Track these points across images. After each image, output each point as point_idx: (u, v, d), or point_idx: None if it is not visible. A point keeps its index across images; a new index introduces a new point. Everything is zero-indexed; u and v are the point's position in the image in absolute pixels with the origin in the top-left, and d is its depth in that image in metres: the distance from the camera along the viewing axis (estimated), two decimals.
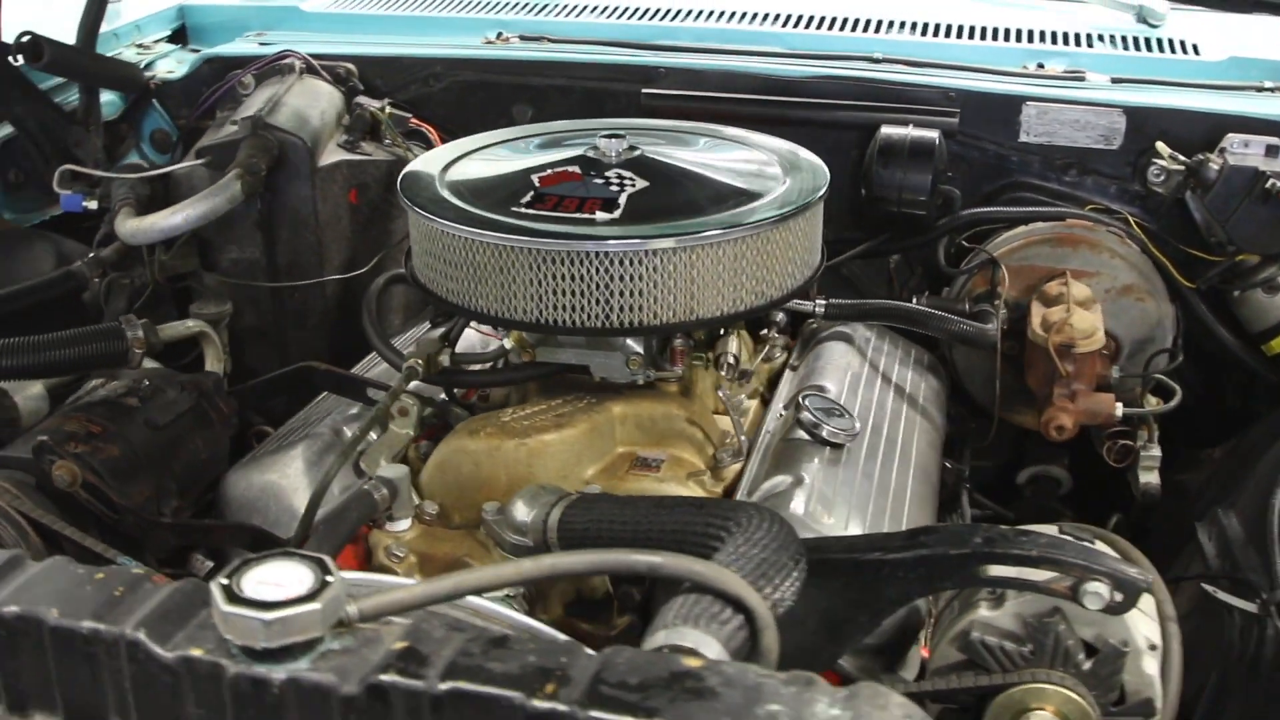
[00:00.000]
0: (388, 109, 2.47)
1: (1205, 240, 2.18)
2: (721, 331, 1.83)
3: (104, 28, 2.54)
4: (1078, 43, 2.52)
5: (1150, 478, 2.08)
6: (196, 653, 0.91)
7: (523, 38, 2.62)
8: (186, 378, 1.85)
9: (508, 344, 1.77)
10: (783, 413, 1.84)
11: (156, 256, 2.24)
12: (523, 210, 1.63)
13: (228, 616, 0.89)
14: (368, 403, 1.85)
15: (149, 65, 2.64)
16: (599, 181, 1.70)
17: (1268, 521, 1.62)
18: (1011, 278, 2.20)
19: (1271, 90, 2.29)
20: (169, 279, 2.32)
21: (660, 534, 1.28)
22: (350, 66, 2.55)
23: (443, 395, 1.84)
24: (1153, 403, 2.12)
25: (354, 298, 2.20)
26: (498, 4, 2.80)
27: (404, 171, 1.81)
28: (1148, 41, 2.53)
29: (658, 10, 2.69)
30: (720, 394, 1.72)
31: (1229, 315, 2.26)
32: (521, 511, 1.46)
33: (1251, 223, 2.08)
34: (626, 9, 2.72)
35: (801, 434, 1.71)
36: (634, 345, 1.68)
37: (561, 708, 0.85)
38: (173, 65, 2.66)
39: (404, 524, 1.61)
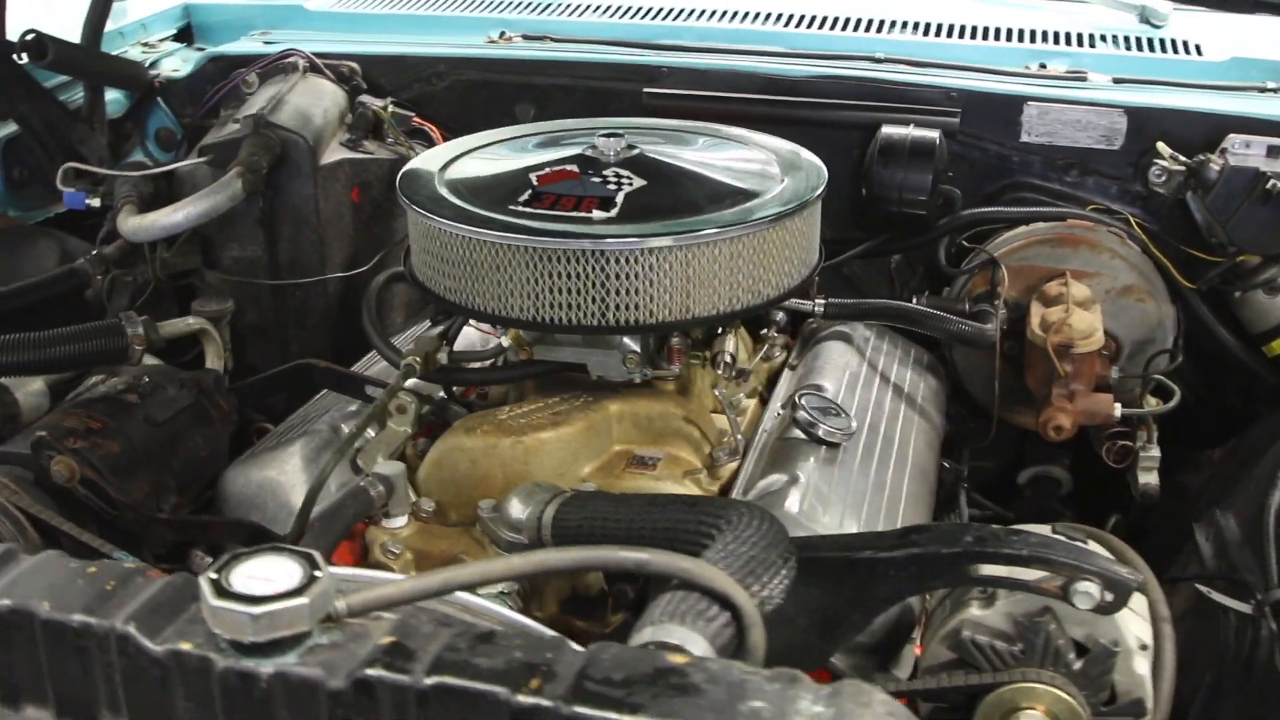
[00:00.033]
0: (390, 108, 2.48)
1: (1206, 241, 2.18)
2: (719, 330, 1.83)
3: (110, 26, 2.55)
4: (1080, 43, 2.52)
5: (1149, 478, 2.08)
6: (186, 647, 0.92)
7: (526, 37, 2.63)
8: (186, 375, 1.86)
9: (505, 342, 1.77)
10: (780, 412, 1.84)
11: (158, 254, 2.25)
12: (520, 209, 1.64)
13: (216, 611, 0.89)
14: (366, 400, 1.86)
15: (154, 63, 2.65)
16: (597, 180, 1.71)
17: (1263, 522, 1.62)
18: (1012, 278, 2.20)
19: (1274, 91, 2.29)
20: (171, 276, 2.33)
21: (653, 531, 1.28)
22: (354, 65, 2.56)
23: (441, 393, 1.85)
24: (1152, 403, 2.12)
25: (356, 296, 2.21)
26: (501, 3, 2.81)
27: (403, 170, 1.82)
28: (1150, 42, 2.53)
29: (660, 10, 2.70)
30: (717, 393, 1.72)
31: (1230, 316, 2.26)
32: (517, 509, 1.46)
33: (1252, 223, 2.08)
34: (629, 9, 2.72)
35: (798, 433, 1.71)
36: (631, 344, 1.68)
37: (546, 703, 0.85)
38: (178, 64, 2.67)
39: (400, 521, 1.61)
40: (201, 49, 2.74)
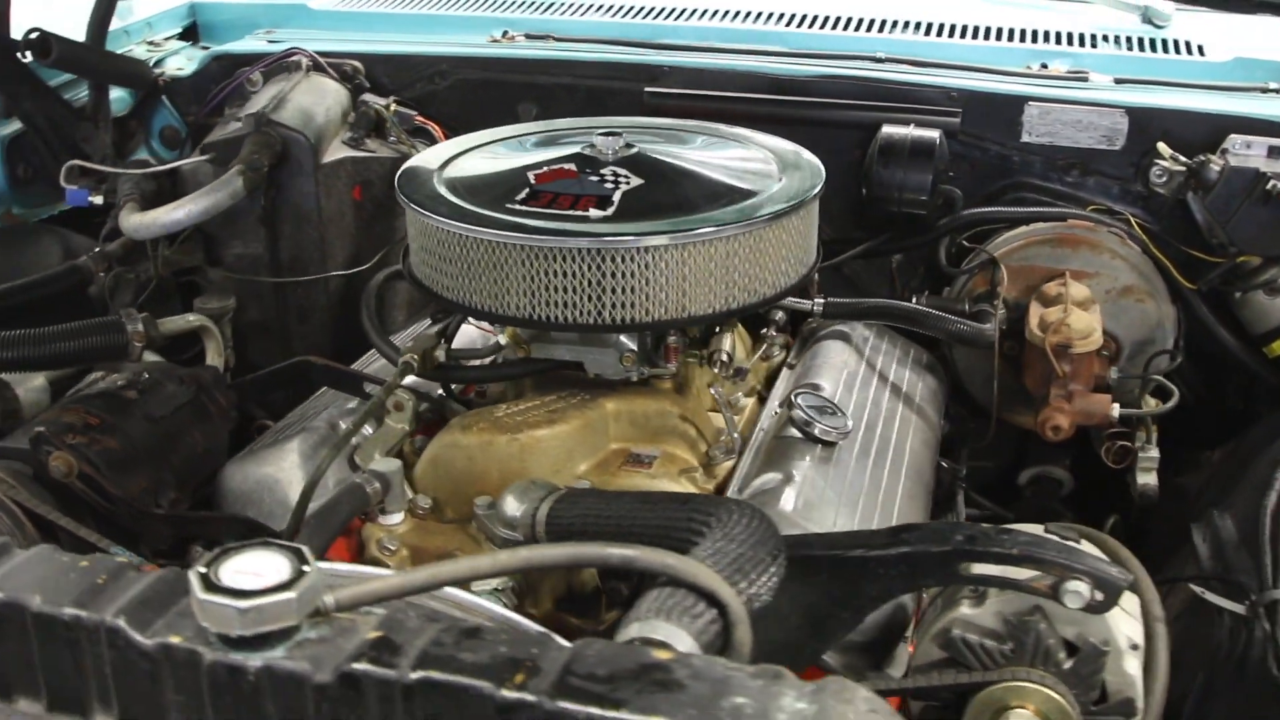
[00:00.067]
0: (393, 106, 2.49)
1: (1207, 241, 2.17)
2: (717, 329, 1.83)
3: (115, 24, 2.56)
4: (1082, 43, 2.52)
5: (1148, 479, 2.08)
6: (175, 640, 0.93)
7: (528, 36, 2.64)
8: (186, 371, 1.87)
9: (502, 340, 1.78)
10: (777, 410, 1.84)
11: (160, 251, 2.27)
12: (517, 207, 1.65)
13: (204, 604, 0.90)
14: (365, 397, 1.87)
15: (159, 62, 2.66)
16: (594, 179, 1.71)
17: (1259, 523, 1.62)
18: (1012, 278, 2.20)
19: (1276, 91, 2.28)
20: (174, 274, 2.34)
21: (645, 529, 1.29)
22: (357, 64, 2.56)
23: (440, 391, 1.86)
24: (1151, 404, 2.12)
25: (357, 294, 2.20)
26: (504, 2, 2.81)
27: (402, 168, 1.83)
28: (1152, 42, 2.53)
29: (662, 9, 2.70)
30: (713, 391, 1.72)
31: (1230, 317, 2.26)
32: (512, 506, 1.47)
33: (1252, 224, 2.08)
34: (631, 8, 2.73)
35: (794, 432, 1.72)
36: (628, 342, 1.69)
37: (529, 698, 0.86)
38: (182, 62, 2.68)
39: (397, 518, 1.62)
40: (206, 48, 2.75)
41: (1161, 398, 2.13)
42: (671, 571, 1.00)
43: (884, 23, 2.61)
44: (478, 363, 1.85)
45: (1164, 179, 2.17)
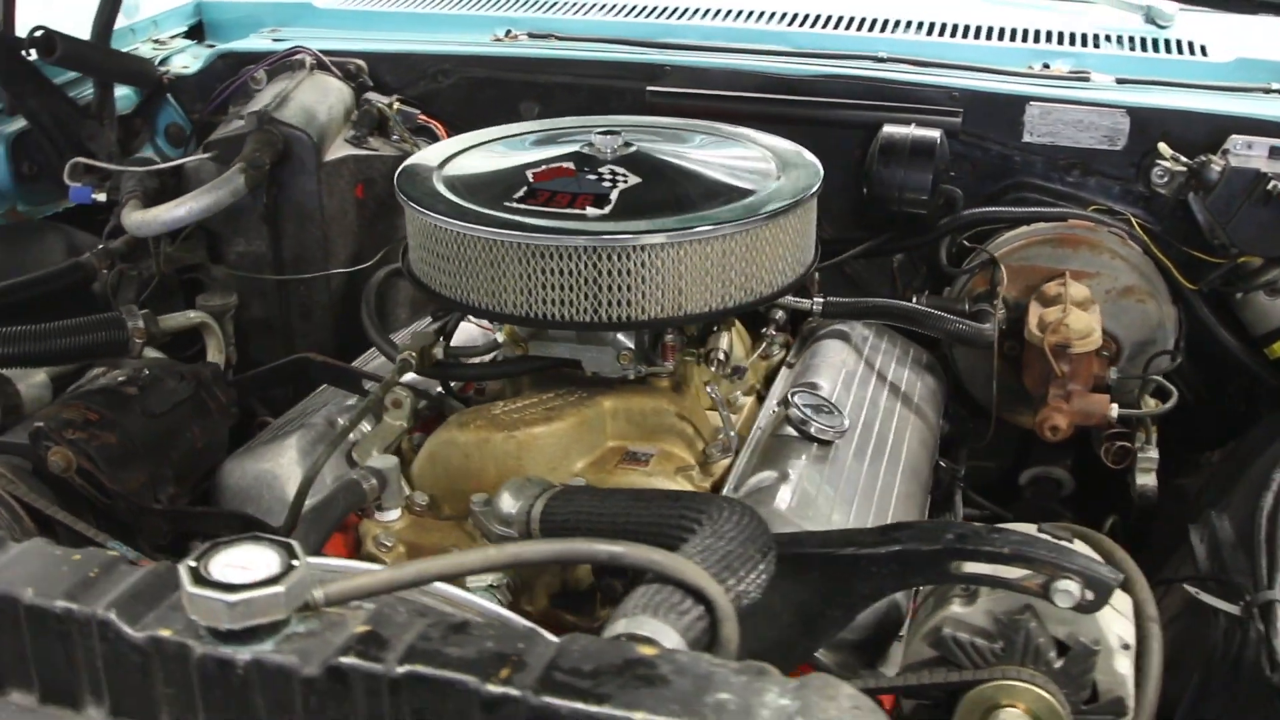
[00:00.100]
0: (396, 105, 2.50)
1: (1208, 242, 2.17)
2: (715, 328, 1.84)
3: (121, 23, 2.58)
4: (1084, 43, 2.52)
5: (1147, 480, 2.08)
6: (165, 633, 0.93)
7: (531, 35, 2.65)
8: (186, 368, 1.88)
9: (500, 338, 1.79)
10: (775, 409, 1.84)
11: (162, 249, 2.28)
12: (515, 205, 1.65)
13: (194, 598, 0.91)
14: (364, 394, 1.88)
15: (165, 60, 2.68)
16: (592, 177, 1.72)
17: (1255, 524, 1.62)
18: (1013, 278, 2.21)
19: (1278, 92, 2.28)
20: (176, 271, 2.35)
21: (637, 526, 1.29)
22: (360, 63, 2.58)
23: (439, 388, 1.86)
24: (1151, 405, 2.12)
25: (359, 291, 2.21)
26: (507, 2, 2.82)
27: (402, 166, 1.84)
28: (1155, 42, 2.52)
29: (664, 9, 2.71)
30: (708, 390, 1.73)
31: (1231, 318, 2.25)
32: (507, 503, 1.48)
33: (1252, 225, 2.08)
34: (633, 7, 2.74)
35: (790, 430, 1.72)
36: (625, 340, 1.69)
37: (514, 692, 0.86)
38: (188, 60, 2.70)
39: (393, 514, 1.63)
40: (212, 46, 2.77)
41: (1161, 398, 2.12)
42: (659, 568, 1.00)
43: (886, 22, 2.61)
44: (476, 360, 1.86)
45: (1165, 179, 2.17)
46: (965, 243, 2.31)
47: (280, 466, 1.73)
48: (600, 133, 1.80)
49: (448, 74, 2.55)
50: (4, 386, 1.81)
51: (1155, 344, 2.20)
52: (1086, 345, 2.01)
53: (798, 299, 2.03)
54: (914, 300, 2.21)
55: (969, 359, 2.29)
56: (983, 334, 2.06)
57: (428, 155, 1.88)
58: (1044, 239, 2.22)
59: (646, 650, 0.90)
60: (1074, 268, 2.19)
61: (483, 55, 2.56)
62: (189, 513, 1.70)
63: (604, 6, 2.76)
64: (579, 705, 0.85)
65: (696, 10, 2.69)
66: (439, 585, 1.08)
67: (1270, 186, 2.02)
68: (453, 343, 1.84)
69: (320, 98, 2.44)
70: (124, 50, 2.62)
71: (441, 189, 1.72)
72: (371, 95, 2.51)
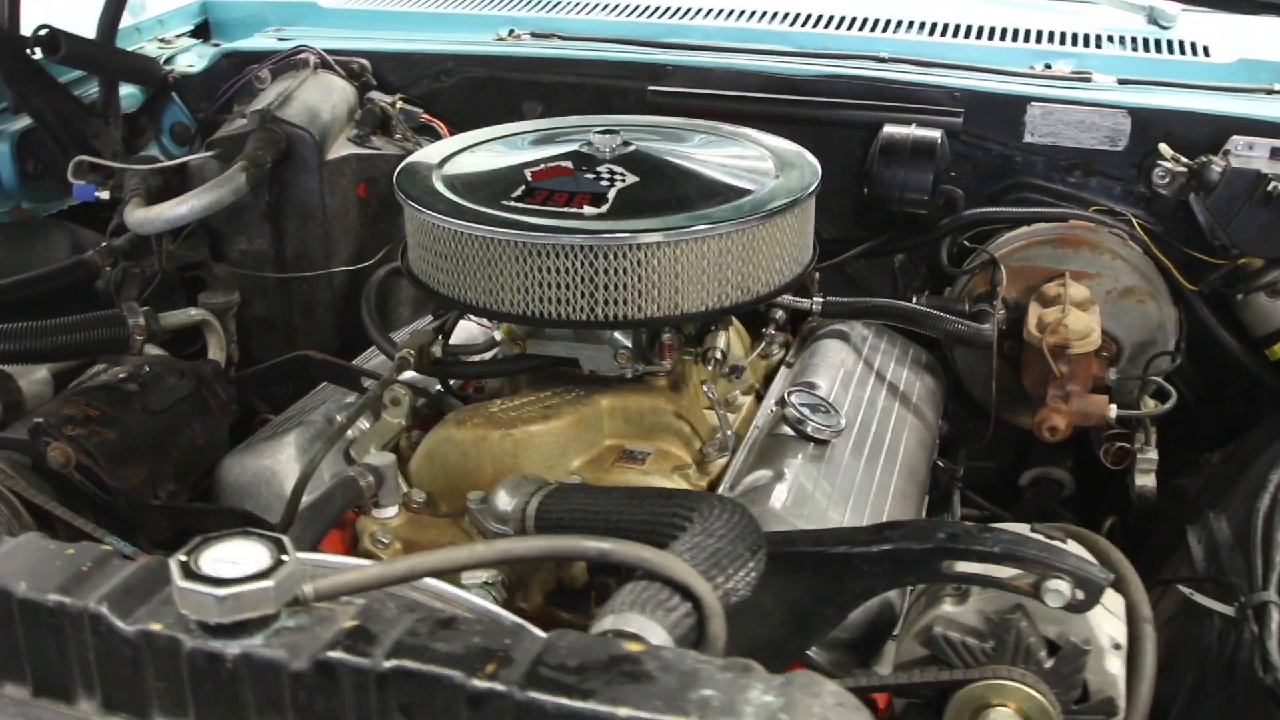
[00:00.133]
0: (399, 104, 2.50)
1: (1209, 243, 2.17)
2: (713, 327, 1.84)
3: (128, 21, 2.59)
4: (1086, 44, 2.52)
5: (1146, 480, 2.08)
6: (156, 627, 0.94)
7: (534, 34, 2.66)
8: (187, 365, 1.89)
9: (498, 336, 1.79)
10: (773, 409, 1.85)
11: (164, 246, 2.29)
12: (513, 204, 1.66)
13: (184, 592, 0.91)
14: (363, 392, 1.89)
15: (170, 59, 2.69)
16: (590, 176, 1.72)
17: (1251, 525, 1.61)
18: (1013, 278, 2.21)
19: None
20: (179, 269, 2.36)
21: (630, 523, 1.30)
22: (364, 62, 2.59)
23: (438, 386, 1.87)
24: (1151, 405, 2.11)
25: (361, 290, 2.23)
26: (510, 1, 2.83)
27: (401, 165, 1.84)
28: (1157, 43, 2.52)
29: (667, 8, 2.72)
30: (704, 389, 1.73)
31: (1232, 319, 2.25)
32: (503, 501, 1.49)
33: (1253, 225, 2.07)
34: (636, 7, 2.75)
35: (787, 430, 1.72)
36: (622, 339, 1.70)
37: (500, 688, 0.87)
38: (193, 59, 2.71)
39: (391, 511, 1.64)
40: (217, 45, 2.78)
41: (1161, 399, 2.12)
42: (647, 565, 1.01)
43: (888, 22, 2.61)
44: (475, 358, 1.87)
45: (1166, 180, 2.17)
46: (966, 243, 2.31)
47: (279, 463, 1.73)
48: (599, 132, 1.80)
49: (450, 73, 2.56)
50: (5, 383, 1.82)
51: (1155, 345, 2.20)
52: (1085, 346, 2.01)
53: (797, 299, 2.03)
54: (914, 300, 2.21)
55: (969, 359, 2.29)
56: (981, 334, 2.06)
57: (428, 154, 1.89)
58: (1044, 239, 2.21)
59: (632, 646, 0.91)
60: (1074, 268, 2.19)
61: (486, 55, 2.57)
62: (188, 509, 1.71)
63: (607, 6, 2.76)
64: (564, 701, 0.85)
65: (699, 10, 2.70)
66: (429, 581, 1.09)
67: (1271, 188, 2.02)
68: (452, 341, 1.85)
69: (323, 97, 2.45)
70: (129, 49, 2.63)
71: (440, 187, 1.73)
72: (375, 94, 2.52)
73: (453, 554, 1.00)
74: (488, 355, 1.90)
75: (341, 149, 2.40)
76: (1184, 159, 2.15)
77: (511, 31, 2.68)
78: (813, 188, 1.73)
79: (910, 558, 1.26)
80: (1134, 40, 2.54)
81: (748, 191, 1.71)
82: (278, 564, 0.93)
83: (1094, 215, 2.22)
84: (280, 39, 2.70)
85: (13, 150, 2.38)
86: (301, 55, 2.55)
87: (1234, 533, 1.71)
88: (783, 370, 2.05)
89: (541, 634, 0.93)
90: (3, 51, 2.29)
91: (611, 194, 1.67)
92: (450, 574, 1.02)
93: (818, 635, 1.33)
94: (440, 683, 0.88)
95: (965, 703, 1.24)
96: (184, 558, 0.93)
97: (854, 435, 1.80)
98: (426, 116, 2.53)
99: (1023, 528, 1.36)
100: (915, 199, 2.23)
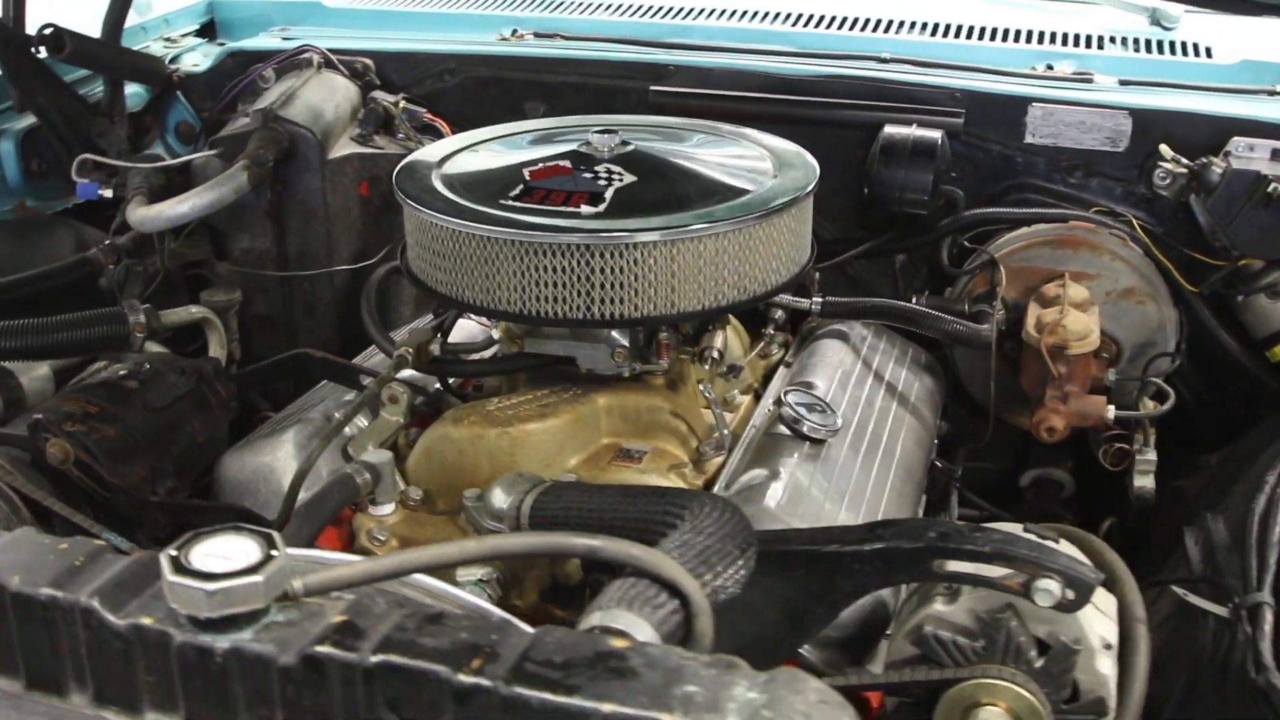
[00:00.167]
0: (402, 103, 2.52)
1: (1209, 244, 2.17)
2: (710, 326, 1.85)
3: (134, 21, 2.60)
4: (1088, 44, 2.52)
5: (1145, 482, 2.08)
6: (147, 621, 0.95)
7: (536, 35, 2.66)
8: (187, 362, 1.90)
9: (495, 334, 1.80)
10: (770, 408, 1.85)
11: (166, 245, 2.30)
12: (510, 203, 1.66)
13: (174, 586, 0.92)
14: (362, 390, 1.89)
15: (175, 58, 2.71)
16: (588, 176, 1.73)
17: (1247, 526, 1.61)
18: (1013, 279, 2.21)
19: None
20: (181, 267, 2.38)
21: (623, 521, 1.30)
22: (367, 61, 2.60)
23: (437, 384, 1.88)
24: (1150, 406, 2.11)
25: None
26: (513, 1, 2.84)
27: (401, 164, 1.85)
28: (1160, 44, 2.52)
29: (669, 9, 2.73)
30: (702, 388, 1.74)
31: (1233, 320, 2.25)
32: (499, 498, 1.49)
33: (1253, 227, 2.07)
34: (638, 7, 2.76)
35: (783, 429, 1.73)
36: (619, 338, 1.70)
37: (485, 683, 0.87)
38: (198, 59, 2.73)
39: (388, 508, 1.64)
40: (223, 44, 2.79)
41: (1160, 401, 2.12)
42: (635, 562, 1.01)
43: (890, 23, 2.62)
44: (473, 357, 1.87)
45: (1167, 181, 2.17)
46: (966, 243, 2.31)
47: (277, 460, 1.74)
48: (597, 131, 1.81)
49: (453, 73, 2.57)
50: (6, 379, 1.83)
51: (1155, 346, 2.20)
52: (1084, 347, 2.01)
53: (796, 299, 2.03)
54: (914, 300, 2.21)
55: (969, 360, 2.29)
56: (979, 334, 2.07)
57: (428, 153, 1.90)
58: (1044, 240, 2.22)
59: (618, 643, 0.91)
60: (1074, 269, 2.19)
61: (488, 54, 2.58)
62: (186, 505, 1.71)
63: (609, 7, 2.77)
64: (548, 696, 0.86)
65: (701, 11, 2.71)
66: (421, 578, 1.10)
67: (1271, 189, 2.02)
68: (452, 340, 1.86)
69: (326, 96, 2.46)
70: (135, 48, 2.65)
71: (439, 186, 1.73)
72: (378, 94, 2.53)
73: (441, 550, 1.00)
74: (486, 354, 1.91)
75: (344, 148, 2.41)
76: (1184, 160, 2.15)
77: (514, 31, 2.69)
78: (810, 187, 1.74)
79: (901, 556, 1.26)
80: (1136, 41, 2.53)
81: (745, 191, 1.71)
82: (267, 559, 0.94)
83: (1094, 216, 2.23)
84: (285, 38, 2.71)
85: (17, 148, 2.40)
86: (305, 55, 2.57)
87: (1230, 534, 1.71)
88: (781, 370, 2.06)
89: (530, 630, 0.94)
90: (7, 50, 2.30)
91: (609, 193, 1.67)
92: (439, 570, 1.03)
93: (809, 634, 1.33)
94: (426, 677, 0.89)
95: (955, 702, 1.24)
96: (174, 552, 0.94)
97: (851, 434, 1.80)
98: (429, 116, 2.54)
99: (1015, 527, 1.36)
100: (915, 199, 2.23)
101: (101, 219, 2.49)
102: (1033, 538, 1.29)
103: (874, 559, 1.27)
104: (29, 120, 2.43)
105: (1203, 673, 1.52)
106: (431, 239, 1.68)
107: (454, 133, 2.47)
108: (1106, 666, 1.26)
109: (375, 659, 0.90)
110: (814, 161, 1.83)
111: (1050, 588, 1.19)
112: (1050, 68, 2.42)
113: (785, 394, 1.76)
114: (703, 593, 1.03)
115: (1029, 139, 2.29)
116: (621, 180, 1.71)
